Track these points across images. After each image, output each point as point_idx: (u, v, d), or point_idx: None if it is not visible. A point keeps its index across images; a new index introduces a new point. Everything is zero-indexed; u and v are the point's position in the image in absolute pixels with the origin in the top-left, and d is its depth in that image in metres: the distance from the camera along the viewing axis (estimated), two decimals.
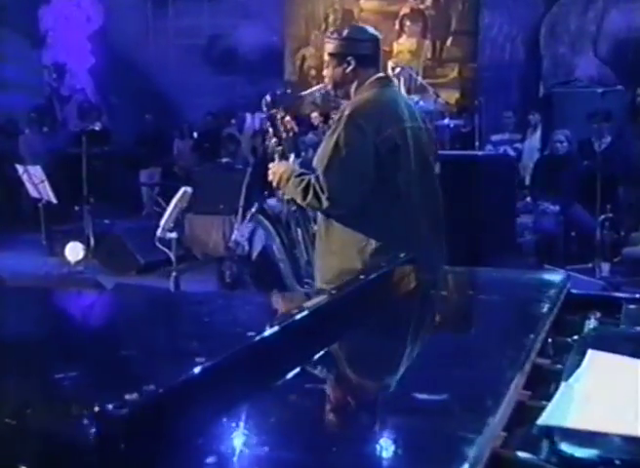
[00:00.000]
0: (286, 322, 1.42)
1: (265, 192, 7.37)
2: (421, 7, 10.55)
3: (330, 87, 2.89)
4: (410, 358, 1.38)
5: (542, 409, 1.10)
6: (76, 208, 7.84)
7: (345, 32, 2.80)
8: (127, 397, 0.99)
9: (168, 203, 9.34)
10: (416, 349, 1.43)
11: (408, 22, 10.61)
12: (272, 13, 11.37)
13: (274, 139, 3.12)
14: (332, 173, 2.66)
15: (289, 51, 11.25)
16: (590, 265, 5.80)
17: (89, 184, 6.55)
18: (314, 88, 3.10)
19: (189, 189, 3.43)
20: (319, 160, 2.74)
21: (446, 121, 7.31)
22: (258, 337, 1.33)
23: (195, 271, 7.29)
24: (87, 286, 5.31)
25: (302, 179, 2.76)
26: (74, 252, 7.05)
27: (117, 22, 11.95)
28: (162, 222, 3.37)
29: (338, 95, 2.90)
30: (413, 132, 2.77)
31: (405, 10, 10.61)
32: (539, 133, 8.10)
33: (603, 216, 5.77)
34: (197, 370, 1.13)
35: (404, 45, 10.65)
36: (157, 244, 3.36)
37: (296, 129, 10.34)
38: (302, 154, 7.09)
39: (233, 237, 7.31)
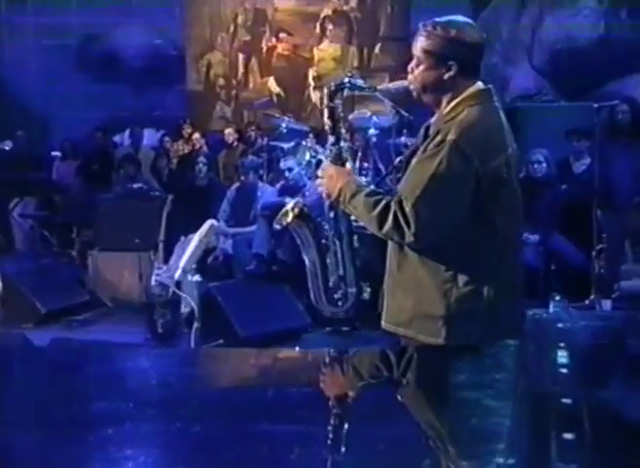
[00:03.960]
0: None
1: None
2: (345, 8, 10.67)
3: (415, 87, 2.71)
4: None
5: None
6: None
7: (453, 32, 2.61)
8: None
9: (53, 236, 9.01)
10: None
11: (330, 26, 10.70)
12: (165, 11, 11.17)
13: (332, 137, 2.87)
14: (424, 205, 2.55)
15: (191, 56, 11.07)
16: (587, 302, 5.96)
17: None
18: (393, 84, 2.94)
19: (216, 222, 3.24)
20: (409, 186, 2.61)
21: (402, 139, 7.37)
22: None
23: (112, 319, 6.94)
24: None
25: (377, 202, 2.63)
26: None
27: None
28: (182, 263, 3.18)
29: (423, 99, 2.73)
30: (513, 159, 2.68)
31: (327, 11, 10.69)
32: None
33: (599, 247, 5.96)
34: None
35: (326, 51, 10.72)
36: (173, 289, 3.16)
37: (205, 147, 10.19)
38: (242, 178, 6.95)
39: (155, 278, 7.04)
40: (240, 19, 10.93)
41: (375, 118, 7.09)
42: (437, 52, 2.64)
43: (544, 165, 6.74)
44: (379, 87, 3.08)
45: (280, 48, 10.87)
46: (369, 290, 2.93)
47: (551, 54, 11.33)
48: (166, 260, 7.14)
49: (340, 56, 10.68)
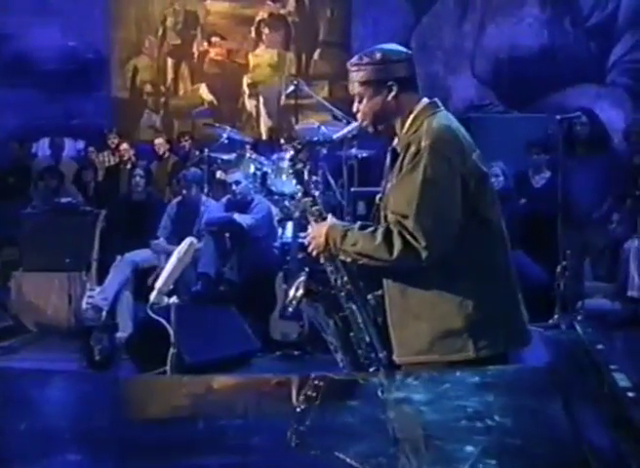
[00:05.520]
0: None
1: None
2: (283, 12, 10.68)
3: (367, 122, 2.89)
4: None
5: None
6: None
7: (379, 54, 2.83)
8: None
9: None
10: None
11: (267, 30, 10.70)
12: (84, 11, 11.00)
13: (308, 199, 3.01)
14: (425, 216, 2.66)
15: (116, 61, 10.91)
16: (550, 321, 6.08)
17: None
18: (347, 128, 3.09)
19: (195, 240, 3.22)
20: (403, 202, 2.71)
21: (353, 151, 7.42)
22: None
23: (39, 346, 6.78)
24: None
25: (374, 231, 2.73)
26: None
27: None
28: (158, 284, 3.13)
29: (379, 130, 2.90)
30: (481, 158, 2.85)
31: (262, 15, 10.68)
32: None
33: (564, 263, 6.09)
34: None
35: (262, 57, 10.71)
36: (149, 312, 3.12)
37: (133, 158, 10.11)
38: (184, 192, 6.89)
39: (88, 300, 6.91)
40: (169, 22, 10.83)
41: (323, 129, 7.09)
42: (373, 79, 2.82)
43: (501, 178, 6.85)
44: (334, 136, 3.23)
45: (212, 53, 10.81)
46: None
47: (494, 63, 11.56)
48: (100, 281, 7.05)
49: (276, 62, 10.68)
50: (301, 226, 6.66)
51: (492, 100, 11.43)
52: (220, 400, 2.18)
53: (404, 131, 2.82)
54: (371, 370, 2.91)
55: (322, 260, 2.96)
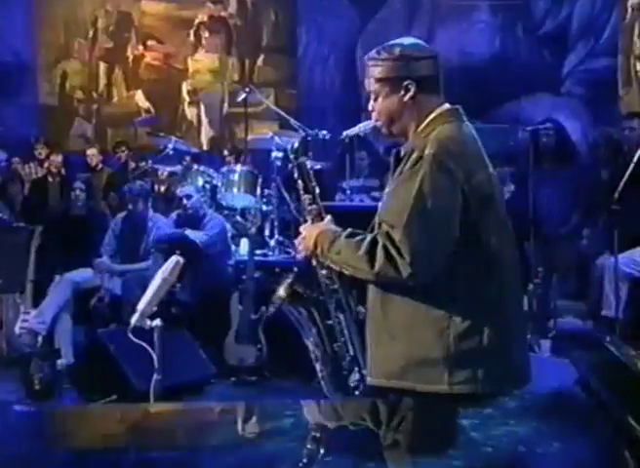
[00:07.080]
0: None
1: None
2: (224, 14, 10.69)
3: (382, 122, 2.82)
4: None
5: None
6: None
7: (398, 50, 2.74)
8: None
9: None
10: None
11: (206, 33, 10.69)
12: (6, 11, 10.84)
13: (307, 196, 2.97)
14: (415, 230, 2.58)
15: (43, 65, 10.76)
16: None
17: None
18: (360, 125, 3.05)
19: (181, 259, 3.17)
20: (394, 212, 2.65)
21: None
22: None
23: None
24: None
25: (361, 240, 2.67)
26: None
27: None
28: (140, 306, 3.08)
29: (393, 132, 2.84)
30: (495, 179, 2.79)
31: (202, 17, 10.68)
32: None
33: (537, 281, 6.18)
34: None
35: (202, 62, 10.69)
36: (130, 336, 3.07)
37: (63, 170, 9.96)
38: (130, 207, 6.81)
39: (22, 325, 6.77)
40: (101, 23, 10.74)
41: (277, 139, 7.06)
42: (390, 76, 2.74)
43: None
44: (345, 132, 3.16)
45: (149, 57, 10.75)
46: None
47: (443, 69, 11.68)
48: (36, 304, 6.91)
49: (217, 67, 10.67)
50: (257, 243, 6.66)
51: None
52: (156, 429, 2.13)
53: (417, 132, 2.75)
54: (351, 383, 2.92)
55: (314, 263, 2.92)
